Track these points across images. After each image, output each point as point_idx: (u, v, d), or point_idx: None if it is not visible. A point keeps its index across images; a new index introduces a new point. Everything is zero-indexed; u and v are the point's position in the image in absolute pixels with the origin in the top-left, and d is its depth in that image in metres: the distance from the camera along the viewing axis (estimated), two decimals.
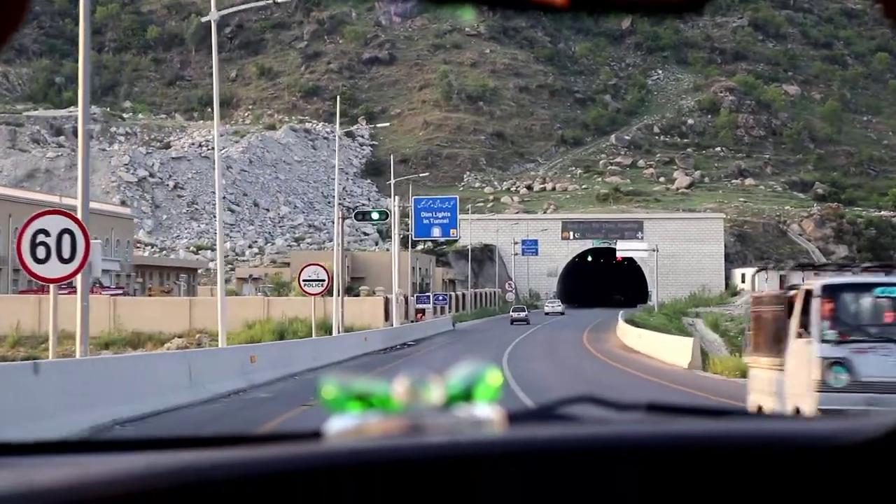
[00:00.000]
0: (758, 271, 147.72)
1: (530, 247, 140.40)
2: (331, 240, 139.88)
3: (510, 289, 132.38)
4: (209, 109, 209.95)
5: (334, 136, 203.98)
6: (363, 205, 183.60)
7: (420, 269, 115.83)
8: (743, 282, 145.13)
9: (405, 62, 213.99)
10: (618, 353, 52.63)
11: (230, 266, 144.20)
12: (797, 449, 1.65)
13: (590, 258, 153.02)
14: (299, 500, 1.55)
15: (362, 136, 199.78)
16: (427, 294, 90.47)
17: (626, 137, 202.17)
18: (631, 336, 62.59)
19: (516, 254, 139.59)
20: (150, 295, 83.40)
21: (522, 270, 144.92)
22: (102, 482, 1.53)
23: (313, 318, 46.21)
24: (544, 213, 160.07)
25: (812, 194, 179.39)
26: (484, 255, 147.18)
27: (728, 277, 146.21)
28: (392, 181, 73.37)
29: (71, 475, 1.54)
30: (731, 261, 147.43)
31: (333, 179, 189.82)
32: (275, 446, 1.68)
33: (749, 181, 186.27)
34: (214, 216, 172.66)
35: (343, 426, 1.68)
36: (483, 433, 1.67)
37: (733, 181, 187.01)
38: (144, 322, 76.75)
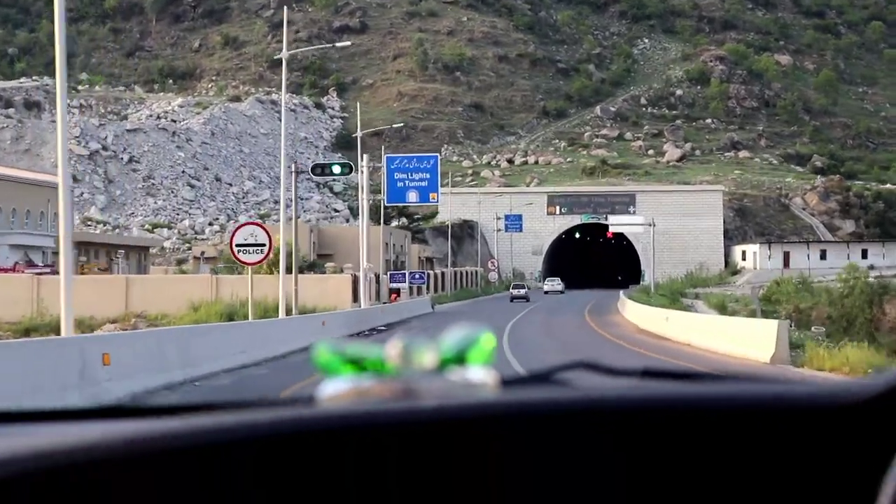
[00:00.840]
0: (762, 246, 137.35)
1: (514, 222, 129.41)
2: (299, 217, 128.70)
3: (493, 267, 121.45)
4: (171, 81, 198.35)
5: (303, 107, 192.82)
6: (334, 180, 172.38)
7: (394, 245, 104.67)
8: (744, 259, 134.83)
9: (378, 31, 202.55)
10: (644, 341, 41.72)
11: (187, 245, 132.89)
12: (795, 409, 1.64)
13: (577, 235, 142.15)
14: (292, 463, 1.56)
15: (332, 108, 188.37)
16: (402, 272, 79.35)
17: (612, 109, 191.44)
18: (650, 318, 51.54)
19: (499, 230, 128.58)
20: (81, 273, 71.73)
21: (506, 248, 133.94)
22: (92, 448, 1.52)
23: (250, 296, 34.95)
24: (527, 186, 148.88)
25: (810, 167, 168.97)
26: (464, 232, 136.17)
27: (727, 255, 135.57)
28: (359, 123, 62.39)
29: (55, 441, 1.53)
30: (730, 237, 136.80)
31: (301, 153, 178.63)
32: (267, 411, 1.69)
33: (743, 154, 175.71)
34: (173, 192, 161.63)
35: (336, 390, 1.68)
36: (476, 396, 1.66)
37: (726, 154, 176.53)
38: (74, 305, 64.82)
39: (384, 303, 74.12)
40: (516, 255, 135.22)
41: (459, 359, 1.70)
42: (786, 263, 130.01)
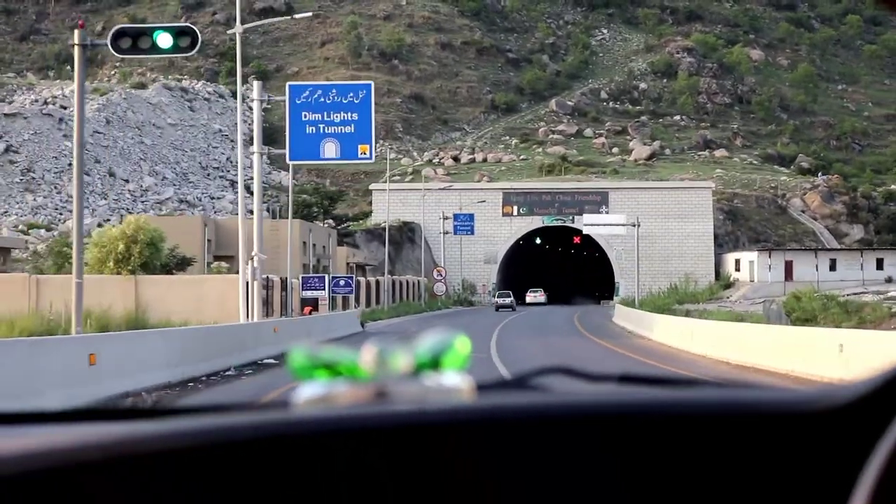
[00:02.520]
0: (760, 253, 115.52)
1: (464, 223, 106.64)
2: (210, 216, 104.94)
3: (439, 277, 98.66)
4: (68, 67, 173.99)
5: (219, 97, 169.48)
6: (251, 178, 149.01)
7: (315, 246, 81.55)
8: (738, 270, 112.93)
9: (305, 13, 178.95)
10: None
11: (67, 248, 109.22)
12: (770, 415, 1.62)
13: (538, 240, 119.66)
14: (268, 467, 1.54)
15: (252, 98, 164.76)
16: (319, 276, 56.39)
17: (569, 103, 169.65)
18: (666, 330, 40.84)
19: (446, 232, 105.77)
20: None
21: (453, 255, 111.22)
22: (67, 450, 1.51)
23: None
24: (478, 182, 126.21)
25: (796, 168, 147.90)
26: (403, 236, 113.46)
27: (718, 264, 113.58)
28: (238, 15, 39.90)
29: (28, 444, 1.52)
30: (720, 244, 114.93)
31: (215, 148, 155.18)
32: (242, 415, 1.68)
33: (720, 153, 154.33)
34: (55, 187, 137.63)
35: (311, 394, 1.66)
36: (451, 401, 1.65)
37: (700, 153, 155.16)
38: None
39: (297, 315, 51.56)
40: (466, 264, 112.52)
41: (434, 363, 1.67)
42: (788, 275, 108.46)
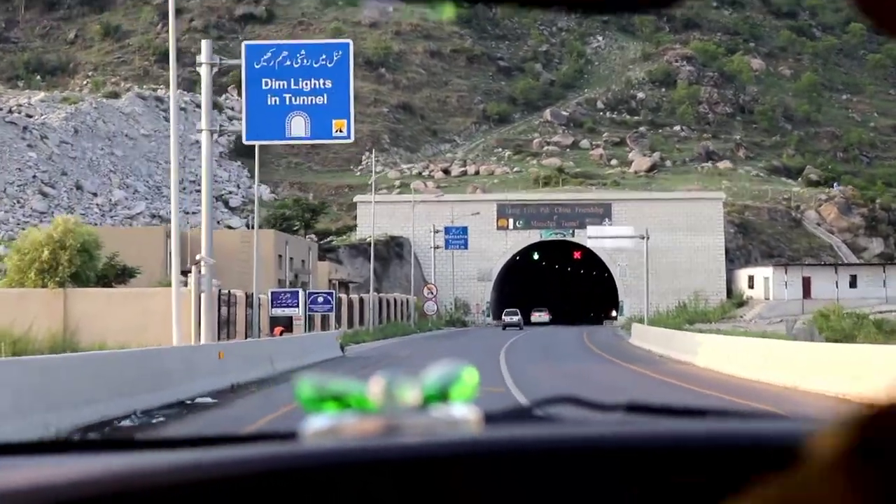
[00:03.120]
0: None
1: (457, 237, 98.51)
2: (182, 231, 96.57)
3: (430, 295, 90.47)
4: (38, 77, 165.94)
5: (196, 106, 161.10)
6: (230, 192, 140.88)
7: (292, 260, 73.33)
8: (751, 287, 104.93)
9: (287, 20, 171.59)
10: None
11: None
12: (779, 448, 1.58)
13: (536, 256, 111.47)
14: (276, 501, 1.54)
15: (231, 109, 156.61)
16: (292, 291, 48.12)
17: (564, 113, 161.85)
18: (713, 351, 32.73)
19: (437, 247, 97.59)
20: None
21: (445, 272, 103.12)
22: (74, 483, 1.52)
23: None
24: (471, 194, 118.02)
25: (804, 181, 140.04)
26: (391, 252, 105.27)
27: (730, 281, 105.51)
28: None
29: (41, 476, 1.53)
30: (731, 258, 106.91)
31: (192, 160, 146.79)
32: (251, 446, 1.69)
33: (724, 165, 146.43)
34: (19, 201, 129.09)
35: (319, 426, 1.65)
36: (459, 433, 1.64)
37: (702, 165, 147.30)
38: None
39: (262, 337, 43.49)
40: (458, 282, 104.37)
41: (442, 395, 1.67)
42: (806, 292, 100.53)
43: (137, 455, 1.66)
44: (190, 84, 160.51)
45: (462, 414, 1.67)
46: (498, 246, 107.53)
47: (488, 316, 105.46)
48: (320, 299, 52.11)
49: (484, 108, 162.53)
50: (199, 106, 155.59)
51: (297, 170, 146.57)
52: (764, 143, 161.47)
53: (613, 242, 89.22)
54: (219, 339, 40.63)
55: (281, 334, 46.21)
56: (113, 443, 1.93)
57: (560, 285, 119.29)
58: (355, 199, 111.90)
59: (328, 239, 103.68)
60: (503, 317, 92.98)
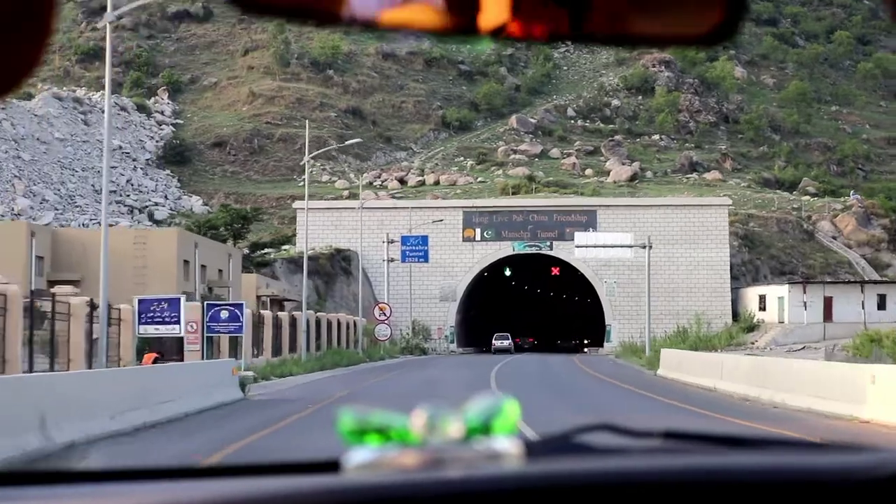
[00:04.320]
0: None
1: (415, 248, 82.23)
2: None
3: (382, 317, 74.02)
4: None
5: (120, 109, 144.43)
6: (155, 204, 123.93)
7: (205, 268, 56.88)
8: (762, 309, 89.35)
9: (225, 19, 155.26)
10: None
11: None
12: (817, 483, 1.58)
13: (508, 272, 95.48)
14: None
15: (161, 113, 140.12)
16: (171, 300, 31.43)
17: (532, 121, 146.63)
18: None
19: (392, 259, 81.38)
20: None
21: (400, 291, 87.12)
22: None
23: None
24: (432, 200, 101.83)
25: (801, 194, 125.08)
26: (336, 266, 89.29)
27: (736, 301, 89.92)
28: None
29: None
30: (735, 275, 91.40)
31: (113, 167, 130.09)
32: (294, 478, 1.69)
33: (713, 175, 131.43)
34: None
35: (362, 459, 1.64)
36: (502, 467, 1.64)
37: (688, 176, 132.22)
38: None
39: (122, 365, 26.98)
40: (417, 302, 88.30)
41: (485, 428, 1.66)
42: (826, 314, 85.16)
43: (178, 483, 1.66)
44: (115, 86, 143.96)
45: (504, 447, 1.65)
46: (463, 260, 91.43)
47: (452, 342, 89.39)
48: (224, 314, 35.81)
49: (443, 114, 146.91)
50: (123, 109, 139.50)
51: (233, 179, 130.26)
52: (751, 155, 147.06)
53: (604, 253, 73.57)
54: (31, 367, 24.39)
55: (154, 362, 29.87)
56: (142, 472, 1.86)
57: (534, 307, 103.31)
58: (294, 205, 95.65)
59: (264, 252, 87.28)
60: (493, 341, 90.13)
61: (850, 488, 1.54)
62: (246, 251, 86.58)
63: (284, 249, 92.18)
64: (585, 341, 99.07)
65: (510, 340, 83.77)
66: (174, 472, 1.89)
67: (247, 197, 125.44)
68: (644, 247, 69.83)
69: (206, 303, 37.16)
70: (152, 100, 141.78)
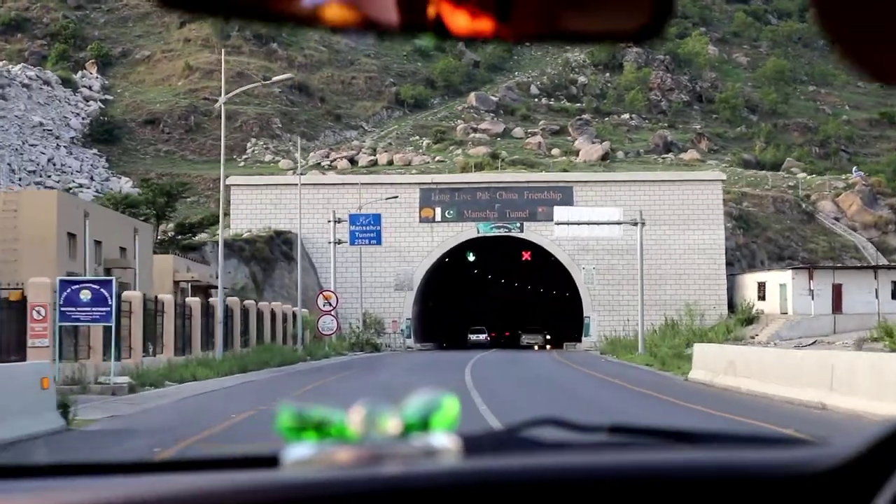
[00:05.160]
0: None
1: (367, 229, 70.97)
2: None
3: (328, 307, 62.76)
4: None
5: (43, 84, 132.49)
6: (80, 186, 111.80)
7: (101, 244, 45.45)
8: (762, 298, 78.83)
9: None
10: None
11: None
12: (756, 479, 1.59)
13: (472, 257, 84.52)
14: None
15: (89, 88, 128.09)
16: None
17: (493, 98, 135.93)
18: None
19: (340, 242, 70.21)
20: None
21: (350, 278, 75.92)
22: None
23: None
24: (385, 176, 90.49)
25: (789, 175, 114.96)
26: (275, 250, 78.10)
27: (732, 289, 79.36)
28: None
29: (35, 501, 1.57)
30: (730, 260, 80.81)
31: (33, 146, 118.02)
32: (231, 473, 1.69)
33: (690, 156, 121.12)
34: None
35: (300, 455, 1.63)
36: (439, 463, 1.63)
37: (664, 156, 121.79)
38: None
39: None
40: (369, 291, 77.17)
41: (423, 424, 1.64)
42: (836, 304, 74.80)
43: (112, 479, 1.64)
44: (39, 59, 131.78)
45: (442, 443, 1.63)
46: (421, 243, 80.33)
47: (408, 336, 78.36)
48: (86, 295, 24.48)
49: (397, 90, 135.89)
50: (46, 83, 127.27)
51: (167, 159, 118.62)
52: (728, 135, 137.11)
53: (587, 232, 62.80)
54: None
55: None
56: (81, 467, 1.84)
57: (502, 296, 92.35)
58: (228, 182, 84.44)
59: (190, 234, 75.83)
60: (469, 335, 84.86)
61: (781, 483, 1.54)
62: (172, 234, 75.43)
63: (221, 232, 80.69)
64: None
65: (486, 334, 77.26)
66: (113, 468, 1.84)
67: (181, 178, 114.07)
68: (635, 223, 59.12)
69: (59, 280, 25.84)
70: (79, 74, 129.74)
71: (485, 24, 1.51)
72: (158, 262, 53.98)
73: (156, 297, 38.42)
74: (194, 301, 43.81)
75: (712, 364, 30.21)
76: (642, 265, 59.68)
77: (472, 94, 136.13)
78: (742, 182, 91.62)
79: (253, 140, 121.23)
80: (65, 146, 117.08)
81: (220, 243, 47.66)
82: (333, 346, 63.73)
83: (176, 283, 55.79)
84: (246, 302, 53.17)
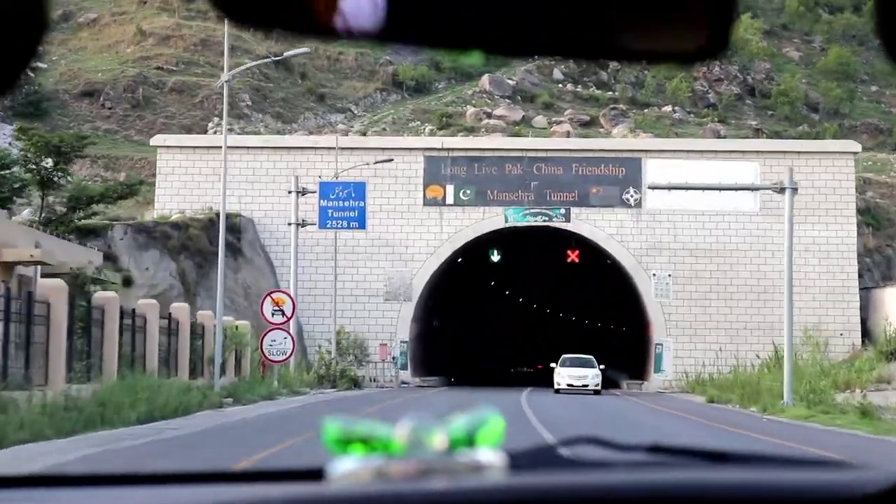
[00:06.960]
0: None
1: (345, 206, 47.82)
2: None
3: (281, 315, 39.36)
4: None
5: None
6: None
7: None
8: None
9: None
10: None
11: None
12: (795, 500, 1.60)
13: (496, 256, 61.40)
14: None
15: None
16: None
17: (509, 82, 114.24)
18: None
19: (303, 224, 47.25)
20: None
21: (320, 282, 52.81)
22: None
23: None
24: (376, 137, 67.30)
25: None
26: (214, 240, 54.61)
27: (865, 308, 56.25)
28: None
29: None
30: (859, 270, 57.66)
31: None
32: (277, 485, 1.73)
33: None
34: None
35: (346, 469, 1.65)
36: (484, 479, 1.65)
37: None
38: None
39: None
40: (347, 301, 54.12)
41: (469, 440, 1.67)
42: None
43: (159, 489, 1.66)
44: None
45: (487, 459, 1.65)
46: (425, 235, 57.28)
47: (403, 367, 55.14)
48: None
49: (394, 70, 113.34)
50: None
51: (107, 139, 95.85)
52: (788, 134, 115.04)
53: (698, 203, 39.62)
54: None
55: None
56: (123, 478, 1.87)
57: (542, 313, 69.23)
58: (152, 141, 61.29)
59: (91, 211, 52.63)
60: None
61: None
62: (62, 210, 52.51)
63: (140, 216, 57.73)
64: (601, 367, 65.28)
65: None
66: (158, 478, 1.86)
67: (123, 161, 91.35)
68: (780, 189, 35.81)
69: None
70: None
71: (538, 41, 1.51)
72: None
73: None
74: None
75: None
76: (790, 261, 36.50)
77: (486, 77, 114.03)
78: (859, 167, 68.64)
79: (216, 119, 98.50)
80: None
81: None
82: (288, 379, 40.49)
83: (11, 263, 32.49)
84: (102, 295, 29.94)
